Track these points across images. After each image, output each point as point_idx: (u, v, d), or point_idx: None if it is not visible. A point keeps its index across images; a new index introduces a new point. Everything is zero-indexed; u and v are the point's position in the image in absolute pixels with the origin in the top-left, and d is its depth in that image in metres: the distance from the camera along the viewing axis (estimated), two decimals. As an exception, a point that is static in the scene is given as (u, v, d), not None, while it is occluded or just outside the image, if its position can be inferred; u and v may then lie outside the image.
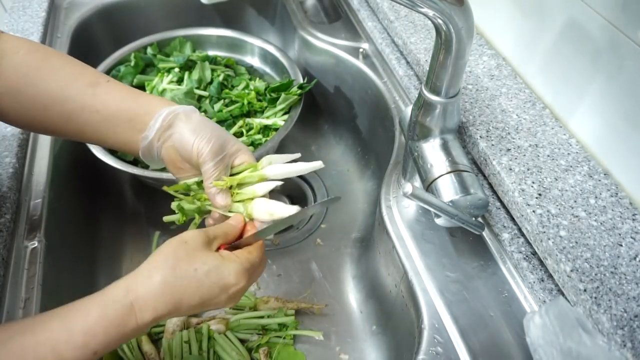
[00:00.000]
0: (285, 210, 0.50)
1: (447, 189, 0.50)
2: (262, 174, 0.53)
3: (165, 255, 0.44)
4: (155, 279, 0.42)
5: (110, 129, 0.52)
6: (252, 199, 0.53)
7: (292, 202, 0.90)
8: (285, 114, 0.82)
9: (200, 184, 0.54)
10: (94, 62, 0.87)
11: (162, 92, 0.87)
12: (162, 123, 0.51)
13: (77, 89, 0.51)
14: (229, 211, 0.53)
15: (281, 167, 0.53)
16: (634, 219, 0.49)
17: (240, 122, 0.84)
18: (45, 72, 0.50)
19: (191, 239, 0.46)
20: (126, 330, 0.41)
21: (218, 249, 0.48)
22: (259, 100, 0.86)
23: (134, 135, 0.52)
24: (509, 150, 0.56)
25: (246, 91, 0.87)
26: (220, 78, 0.90)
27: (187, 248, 0.45)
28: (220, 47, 0.97)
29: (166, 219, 0.56)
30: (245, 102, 0.85)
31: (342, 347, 0.70)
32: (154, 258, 0.44)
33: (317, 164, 0.53)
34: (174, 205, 0.55)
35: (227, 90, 0.88)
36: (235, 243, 0.50)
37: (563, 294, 0.48)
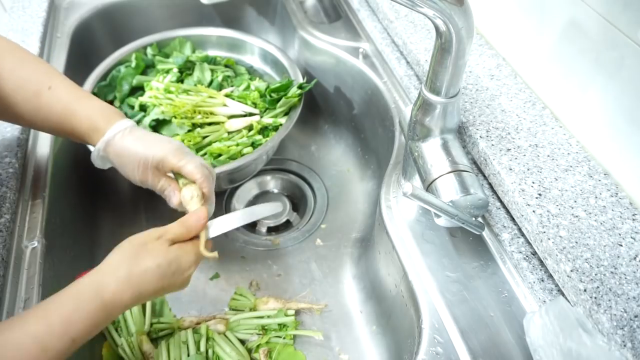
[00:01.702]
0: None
1: (447, 189, 0.50)
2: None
3: (128, 253, 0.49)
4: (121, 273, 0.47)
5: (57, 132, 0.58)
6: None
7: (293, 203, 0.90)
8: (285, 114, 0.82)
9: None
10: (94, 62, 0.87)
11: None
12: (97, 157, 0.56)
13: (24, 96, 0.55)
14: None
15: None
16: (634, 219, 0.49)
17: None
18: (1, 72, 0.54)
19: (150, 242, 0.50)
20: (99, 321, 0.45)
21: None
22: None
23: (78, 141, 0.58)
24: (509, 150, 0.56)
25: (248, 92, 0.87)
26: (220, 79, 0.90)
27: (148, 248, 0.49)
28: (220, 47, 0.97)
29: None
30: (249, 102, 0.85)
31: (342, 347, 0.70)
32: (116, 256, 0.49)
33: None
34: None
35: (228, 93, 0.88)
36: None
37: (563, 294, 0.48)
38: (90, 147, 0.59)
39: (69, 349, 0.43)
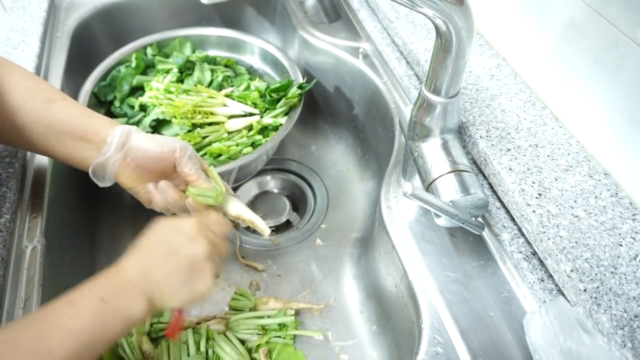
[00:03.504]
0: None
1: (447, 189, 0.50)
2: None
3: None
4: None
5: (59, 143, 0.55)
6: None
7: (293, 203, 0.90)
8: (285, 114, 0.82)
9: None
10: (94, 62, 0.87)
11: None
12: (119, 139, 0.54)
13: (33, 104, 0.54)
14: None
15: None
16: (634, 219, 0.49)
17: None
18: (6, 84, 0.53)
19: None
20: (110, 285, 0.46)
21: None
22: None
23: (82, 151, 0.55)
24: (509, 150, 0.56)
25: (248, 92, 0.87)
26: (220, 79, 0.90)
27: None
28: (220, 47, 0.97)
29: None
30: (249, 102, 0.85)
31: (342, 347, 0.70)
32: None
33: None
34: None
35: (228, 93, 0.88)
36: None
37: (563, 294, 0.48)
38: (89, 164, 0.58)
39: (100, 310, 0.43)
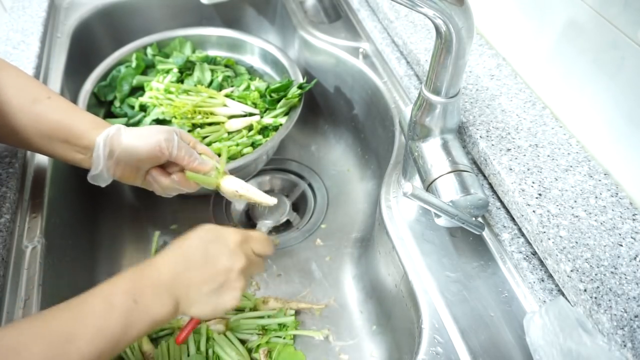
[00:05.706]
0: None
1: (447, 189, 0.50)
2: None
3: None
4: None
5: (49, 145, 0.56)
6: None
7: (293, 203, 0.90)
8: (285, 114, 0.82)
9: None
10: (94, 62, 0.87)
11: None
12: (104, 150, 0.55)
13: (20, 105, 0.54)
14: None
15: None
16: (634, 219, 0.49)
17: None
18: None
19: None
20: (135, 286, 0.45)
21: None
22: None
23: (71, 154, 0.56)
24: (509, 150, 0.56)
25: (248, 92, 0.87)
26: (220, 79, 0.90)
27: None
28: (220, 47, 0.97)
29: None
30: (249, 102, 0.85)
31: (342, 347, 0.70)
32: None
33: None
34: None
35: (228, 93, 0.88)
36: None
37: (563, 294, 0.48)
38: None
39: (131, 310, 0.43)
